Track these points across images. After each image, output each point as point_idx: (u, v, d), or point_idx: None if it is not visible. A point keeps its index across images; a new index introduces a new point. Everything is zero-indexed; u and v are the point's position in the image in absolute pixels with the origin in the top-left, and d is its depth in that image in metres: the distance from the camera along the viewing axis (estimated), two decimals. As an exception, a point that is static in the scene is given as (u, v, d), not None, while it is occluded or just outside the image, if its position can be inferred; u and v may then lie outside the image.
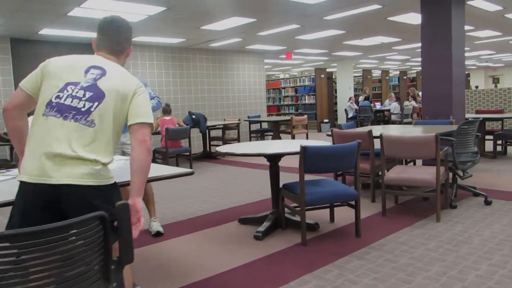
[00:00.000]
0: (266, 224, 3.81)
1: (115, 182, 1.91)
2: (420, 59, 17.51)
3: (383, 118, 14.79)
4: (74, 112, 1.80)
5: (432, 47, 6.27)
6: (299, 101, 16.15)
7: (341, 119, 15.36)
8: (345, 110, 14.90)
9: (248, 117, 11.61)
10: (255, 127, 12.16)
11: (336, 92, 16.71)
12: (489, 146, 7.65)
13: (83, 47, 7.17)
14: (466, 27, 9.79)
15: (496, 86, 24.86)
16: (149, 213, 4.10)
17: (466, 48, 14.56)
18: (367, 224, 3.95)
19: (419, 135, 3.87)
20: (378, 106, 14.95)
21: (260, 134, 11.86)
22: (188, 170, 2.57)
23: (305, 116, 10.93)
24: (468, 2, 6.91)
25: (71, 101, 1.81)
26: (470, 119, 6.51)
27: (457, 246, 3.26)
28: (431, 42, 6.28)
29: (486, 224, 3.77)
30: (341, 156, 3.40)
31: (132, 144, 1.89)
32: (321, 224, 3.97)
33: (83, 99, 1.82)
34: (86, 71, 1.88)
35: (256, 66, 12.67)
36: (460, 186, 4.65)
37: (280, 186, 3.83)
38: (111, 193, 1.86)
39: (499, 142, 7.65)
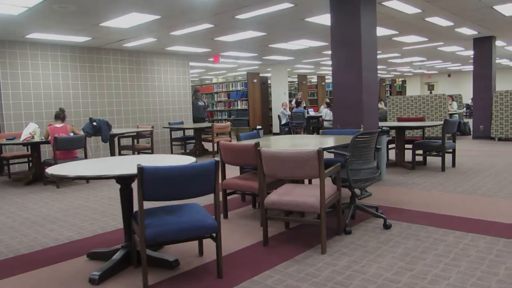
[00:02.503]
0: (110, 263, 3.04)
1: None
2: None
3: (317, 125, 14.43)
4: None
5: (341, 51, 5.78)
6: (231, 107, 15.49)
7: (276, 126, 14.85)
8: (278, 116, 14.42)
9: (169, 123, 10.79)
10: (179, 134, 11.38)
11: (271, 97, 16.22)
12: (411, 155, 7.27)
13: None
14: (391, 32, 9.53)
15: (431, 92, 25.43)
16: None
17: (396, 54, 14.54)
18: (240, 258, 3.28)
19: (300, 149, 3.25)
20: (311, 112, 14.53)
21: (182, 142, 11.09)
22: None
23: (228, 123, 10.27)
24: (383, 3, 6.49)
25: None
26: (383, 128, 6.07)
27: (331, 290, 2.65)
28: (340, 45, 5.78)
29: (377, 256, 3.20)
30: (192, 178, 2.70)
31: None
32: (186, 259, 3.26)
33: None
34: None
35: (180, 69, 11.86)
36: (359, 206, 4.09)
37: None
38: None
39: (420, 152, 7.28)
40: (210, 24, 7.86)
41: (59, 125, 6.96)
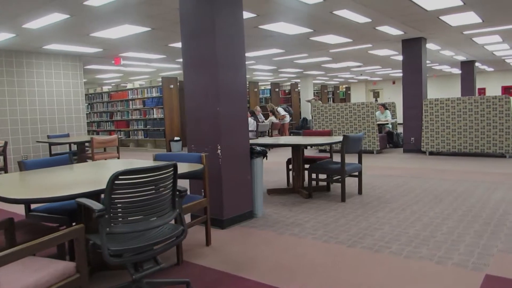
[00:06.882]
0: None
1: None
2: (294, 69, 15.97)
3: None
4: None
5: (191, 44, 4.26)
6: (147, 115, 13.77)
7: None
8: (198, 126, 12.85)
9: (48, 136, 8.98)
10: (66, 148, 9.57)
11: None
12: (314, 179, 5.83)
13: None
14: (305, 30, 8.17)
15: (376, 100, 24.58)
16: None
17: (327, 58, 13.26)
18: None
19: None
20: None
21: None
22: None
23: (115, 136, 8.55)
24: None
25: None
26: (257, 148, 4.60)
27: None
28: (190, 36, 4.26)
29: None
30: None
31: None
32: None
33: None
34: None
35: (69, 72, 10.07)
36: (151, 284, 2.53)
37: None
38: None
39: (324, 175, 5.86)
40: (65, 14, 6.21)
41: None
